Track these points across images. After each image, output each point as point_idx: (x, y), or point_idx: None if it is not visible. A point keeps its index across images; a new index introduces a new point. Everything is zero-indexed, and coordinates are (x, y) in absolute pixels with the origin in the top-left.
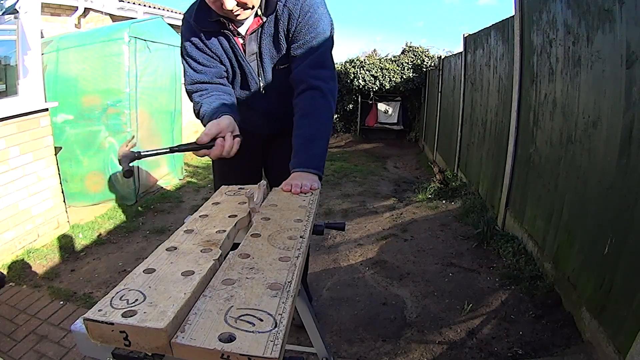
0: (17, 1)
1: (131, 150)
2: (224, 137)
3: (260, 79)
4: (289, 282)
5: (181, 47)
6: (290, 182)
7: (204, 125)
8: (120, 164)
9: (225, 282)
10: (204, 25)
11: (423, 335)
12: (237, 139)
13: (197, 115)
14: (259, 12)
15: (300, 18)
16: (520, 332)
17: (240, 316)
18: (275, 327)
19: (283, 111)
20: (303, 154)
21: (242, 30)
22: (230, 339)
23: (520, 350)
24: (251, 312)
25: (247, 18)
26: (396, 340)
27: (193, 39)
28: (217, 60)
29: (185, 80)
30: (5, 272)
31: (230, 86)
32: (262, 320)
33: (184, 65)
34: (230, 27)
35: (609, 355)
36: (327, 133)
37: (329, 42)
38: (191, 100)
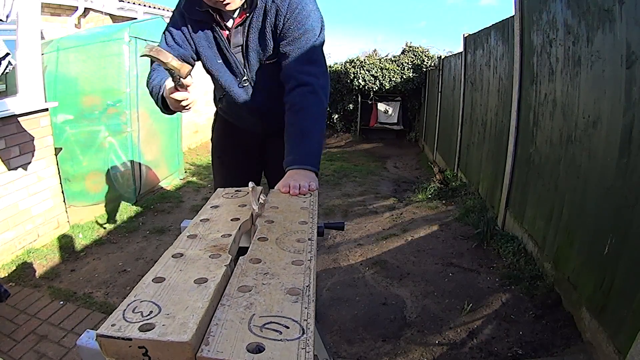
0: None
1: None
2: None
3: (245, 70)
4: (307, 286)
5: (168, 23)
6: (288, 182)
7: (153, 91)
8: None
9: (242, 289)
10: (192, 14)
11: (423, 335)
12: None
13: (149, 80)
14: (244, 5)
15: (289, 14)
16: (520, 332)
17: (264, 324)
18: (304, 333)
19: (275, 108)
20: (297, 151)
21: (229, 23)
22: (259, 349)
23: (520, 350)
24: (275, 320)
25: (236, 9)
26: (396, 340)
27: (179, 20)
28: (191, 47)
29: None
30: (5, 272)
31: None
32: (288, 327)
33: (161, 37)
34: (217, 18)
35: (609, 355)
36: (321, 129)
37: (318, 39)
38: (150, 70)
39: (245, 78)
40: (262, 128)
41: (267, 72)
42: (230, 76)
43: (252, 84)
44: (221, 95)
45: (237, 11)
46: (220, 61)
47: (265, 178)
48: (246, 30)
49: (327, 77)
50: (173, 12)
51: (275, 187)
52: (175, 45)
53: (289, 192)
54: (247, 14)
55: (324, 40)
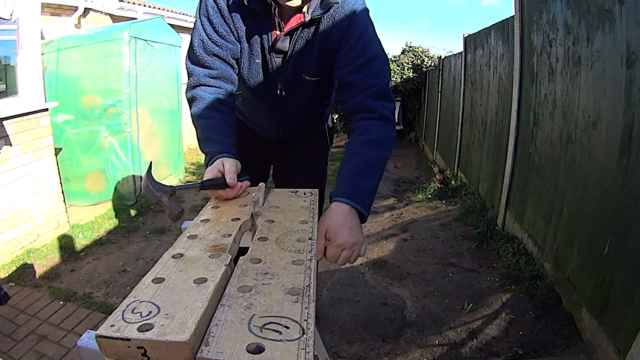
0: None
1: (166, 185)
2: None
3: (280, 78)
4: (307, 286)
5: (201, 5)
6: (341, 239)
7: (202, 134)
8: (155, 199)
9: (242, 290)
10: (250, 1)
11: (423, 336)
12: (246, 183)
13: (200, 112)
14: (304, 9)
15: (348, 36)
16: (520, 332)
17: (264, 325)
18: (304, 334)
19: (296, 120)
20: (356, 186)
21: (285, 22)
22: (259, 349)
23: (520, 350)
24: (275, 320)
25: (296, 8)
26: (396, 340)
27: (221, 3)
28: (237, 40)
29: (195, 43)
30: (5, 272)
31: (236, 73)
32: (288, 327)
33: (196, 26)
34: (276, 12)
35: (609, 355)
36: (383, 169)
37: (389, 71)
38: (194, 76)
39: (278, 87)
40: (276, 135)
41: (301, 86)
42: (260, 80)
43: (281, 94)
44: (239, 92)
45: (295, 12)
46: (259, 61)
47: (273, 182)
48: (295, 39)
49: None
50: None
51: (277, 189)
52: (223, 42)
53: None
54: (306, 19)
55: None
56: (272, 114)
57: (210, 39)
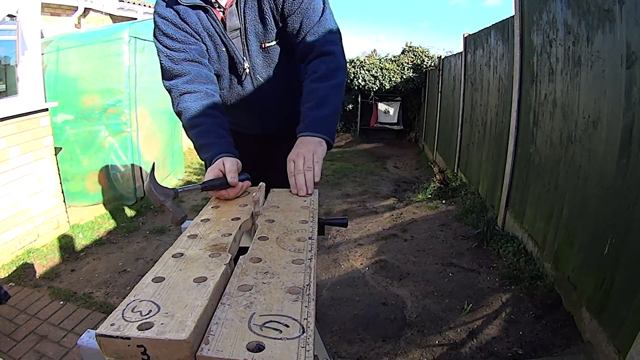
0: None
1: (169, 188)
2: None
3: (245, 58)
4: (307, 285)
5: (154, 27)
6: (292, 157)
7: (197, 142)
8: (158, 202)
9: (242, 288)
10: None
11: (423, 336)
12: (247, 182)
13: (189, 122)
14: None
15: None
16: (520, 332)
17: (264, 323)
18: (304, 332)
19: (276, 104)
20: (310, 118)
21: (222, 1)
22: (259, 348)
23: (520, 350)
24: (275, 318)
25: None
26: (396, 341)
27: (168, 14)
28: (198, 39)
29: (163, 61)
30: (5, 272)
31: (213, 71)
32: (288, 326)
33: (158, 47)
34: None
35: (609, 355)
36: (339, 96)
37: (326, 5)
38: (174, 89)
39: (245, 67)
40: (260, 128)
41: (267, 57)
42: (229, 67)
43: (252, 74)
44: None
45: None
46: (224, 49)
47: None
48: (242, 11)
49: (342, 38)
50: (154, 11)
51: (277, 189)
52: (185, 47)
53: (297, 194)
54: None
55: (330, 7)
56: (250, 103)
57: (172, 50)
